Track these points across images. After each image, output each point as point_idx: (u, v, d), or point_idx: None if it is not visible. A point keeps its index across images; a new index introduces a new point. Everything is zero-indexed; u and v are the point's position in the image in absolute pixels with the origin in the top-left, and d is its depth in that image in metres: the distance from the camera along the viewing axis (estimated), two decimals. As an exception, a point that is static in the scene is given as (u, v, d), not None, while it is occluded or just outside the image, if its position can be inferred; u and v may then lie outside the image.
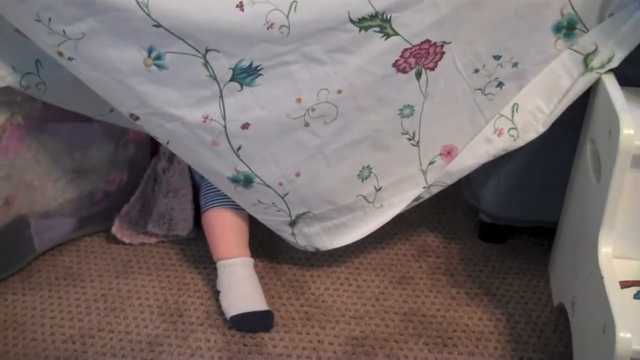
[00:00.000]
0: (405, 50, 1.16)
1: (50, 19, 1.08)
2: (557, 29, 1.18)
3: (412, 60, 1.18)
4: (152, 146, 1.53)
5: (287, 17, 1.11)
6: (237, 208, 1.34)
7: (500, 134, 1.26)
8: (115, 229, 1.45)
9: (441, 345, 1.26)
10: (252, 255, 1.37)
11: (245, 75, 1.16)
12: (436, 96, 1.23)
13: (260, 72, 1.16)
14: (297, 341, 1.26)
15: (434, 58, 1.19)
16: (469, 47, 1.19)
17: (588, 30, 1.18)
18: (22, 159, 1.29)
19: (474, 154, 1.28)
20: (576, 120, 1.24)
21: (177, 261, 1.42)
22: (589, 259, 1.11)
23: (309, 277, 1.40)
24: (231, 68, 1.15)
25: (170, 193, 1.49)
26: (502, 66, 1.21)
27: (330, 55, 1.15)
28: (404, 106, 1.24)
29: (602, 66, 1.18)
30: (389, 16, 1.13)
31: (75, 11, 1.08)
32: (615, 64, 1.18)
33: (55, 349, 1.24)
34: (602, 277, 1.05)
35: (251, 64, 1.15)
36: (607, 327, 1.00)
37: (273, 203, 1.30)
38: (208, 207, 1.37)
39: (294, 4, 1.10)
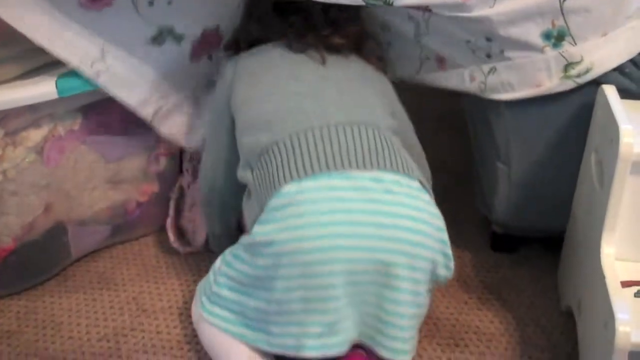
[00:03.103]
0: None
1: None
2: (547, 36, 1.27)
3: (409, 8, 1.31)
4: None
5: None
6: None
7: (472, 80, 1.37)
8: (175, 244, 1.54)
9: (453, 346, 1.32)
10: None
11: None
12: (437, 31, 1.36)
13: None
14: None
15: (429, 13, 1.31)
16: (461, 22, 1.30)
17: (576, 44, 1.27)
18: (61, 169, 1.38)
19: (450, 79, 1.41)
20: (584, 131, 1.32)
21: (204, 267, 1.49)
22: (593, 261, 1.18)
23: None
24: None
25: (193, 207, 1.58)
26: (490, 47, 1.31)
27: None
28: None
29: (579, 76, 1.28)
30: (391, 1, 1.25)
31: None
32: (589, 77, 1.27)
33: (90, 346, 1.31)
34: (604, 277, 1.13)
35: None
36: (608, 322, 1.06)
37: None
38: None
39: None
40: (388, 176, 1.14)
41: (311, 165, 1.12)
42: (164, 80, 1.40)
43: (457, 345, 1.32)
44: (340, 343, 1.14)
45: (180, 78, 1.43)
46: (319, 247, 1.08)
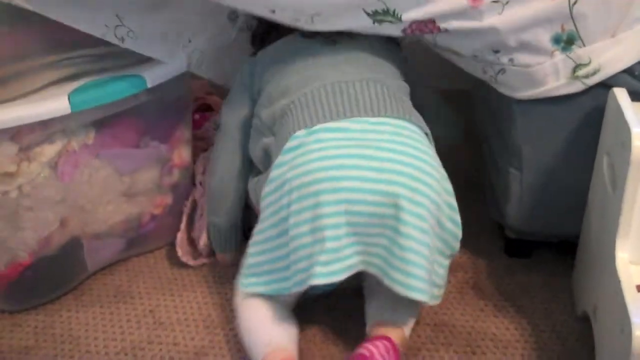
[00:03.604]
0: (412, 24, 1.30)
1: None
2: (556, 41, 1.27)
3: (416, 30, 1.31)
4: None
5: (312, 18, 1.30)
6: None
7: (485, 72, 1.37)
8: (184, 258, 1.54)
9: (470, 354, 1.32)
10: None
11: None
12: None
13: None
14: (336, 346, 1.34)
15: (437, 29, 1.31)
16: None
17: (585, 47, 1.27)
18: (76, 184, 1.39)
19: (468, 64, 1.40)
20: (595, 135, 1.31)
21: (219, 278, 1.50)
22: (607, 266, 1.18)
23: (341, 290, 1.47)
24: None
25: (203, 216, 1.58)
26: (499, 59, 1.31)
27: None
28: None
29: (587, 77, 1.28)
30: (400, 14, 1.27)
31: None
32: (597, 79, 1.27)
33: (108, 360, 1.33)
34: (620, 282, 1.12)
35: None
36: (625, 327, 1.06)
37: None
38: None
39: (315, 16, 1.29)
40: (395, 121, 1.24)
41: (323, 114, 1.23)
42: (183, 26, 1.44)
43: (474, 353, 1.32)
44: (345, 269, 1.18)
45: (198, 19, 1.46)
46: (323, 178, 1.16)
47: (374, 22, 1.29)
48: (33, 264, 1.40)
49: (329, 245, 1.15)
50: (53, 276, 1.45)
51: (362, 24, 1.30)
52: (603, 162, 1.27)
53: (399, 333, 1.24)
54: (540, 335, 1.36)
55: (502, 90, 1.36)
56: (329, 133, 1.21)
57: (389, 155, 1.18)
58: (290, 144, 1.22)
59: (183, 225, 1.56)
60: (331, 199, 1.15)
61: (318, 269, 1.15)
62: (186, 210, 1.59)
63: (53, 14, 1.28)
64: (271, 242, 1.23)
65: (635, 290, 1.11)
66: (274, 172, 1.22)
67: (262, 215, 1.24)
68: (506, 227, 1.53)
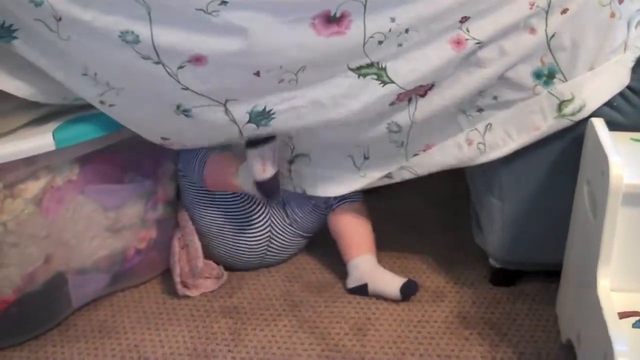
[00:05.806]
0: (401, 94, 1.30)
1: (96, 74, 1.27)
2: (538, 75, 1.29)
3: (404, 97, 1.32)
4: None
5: (296, 75, 1.28)
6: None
7: (470, 144, 1.38)
8: (181, 291, 1.55)
9: (456, 383, 1.32)
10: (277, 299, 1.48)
11: (261, 118, 1.34)
12: (424, 116, 1.36)
13: (273, 115, 1.34)
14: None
15: (425, 90, 1.33)
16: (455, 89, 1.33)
17: (567, 81, 1.28)
18: (61, 219, 1.40)
19: (445, 153, 1.41)
20: (575, 164, 1.33)
21: (204, 312, 1.50)
22: (590, 293, 1.19)
23: (328, 323, 1.47)
24: (248, 112, 1.33)
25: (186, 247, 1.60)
26: (483, 97, 1.33)
27: (333, 100, 1.31)
28: (392, 122, 1.38)
29: (573, 114, 1.29)
30: (384, 65, 1.27)
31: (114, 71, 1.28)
32: (584, 114, 1.29)
33: (92, 396, 1.32)
34: (601, 309, 1.13)
35: (264, 108, 1.32)
36: (607, 354, 1.07)
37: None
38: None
39: (303, 67, 1.27)
40: None
41: None
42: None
43: (459, 382, 1.32)
44: None
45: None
46: None
47: (358, 77, 1.29)
48: (17, 300, 1.39)
49: None
50: (37, 312, 1.44)
51: (345, 82, 1.30)
52: (583, 191, 1.28)
53: None
54: (525, 363, 1.36)
55: (494, 154, 1.37)
56: None
57: None
58: None
59: (172, 261, 1.57)
60: None
61: None
62: (174, 241, 1.59)
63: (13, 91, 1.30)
64: None
65: (617, 317, 1.12)
66: None
67: None
68: (490, 256, 1.54)
